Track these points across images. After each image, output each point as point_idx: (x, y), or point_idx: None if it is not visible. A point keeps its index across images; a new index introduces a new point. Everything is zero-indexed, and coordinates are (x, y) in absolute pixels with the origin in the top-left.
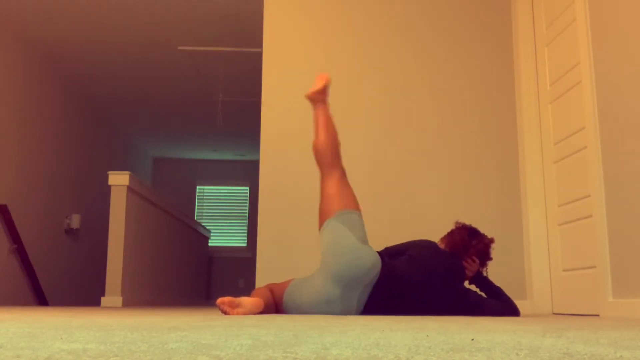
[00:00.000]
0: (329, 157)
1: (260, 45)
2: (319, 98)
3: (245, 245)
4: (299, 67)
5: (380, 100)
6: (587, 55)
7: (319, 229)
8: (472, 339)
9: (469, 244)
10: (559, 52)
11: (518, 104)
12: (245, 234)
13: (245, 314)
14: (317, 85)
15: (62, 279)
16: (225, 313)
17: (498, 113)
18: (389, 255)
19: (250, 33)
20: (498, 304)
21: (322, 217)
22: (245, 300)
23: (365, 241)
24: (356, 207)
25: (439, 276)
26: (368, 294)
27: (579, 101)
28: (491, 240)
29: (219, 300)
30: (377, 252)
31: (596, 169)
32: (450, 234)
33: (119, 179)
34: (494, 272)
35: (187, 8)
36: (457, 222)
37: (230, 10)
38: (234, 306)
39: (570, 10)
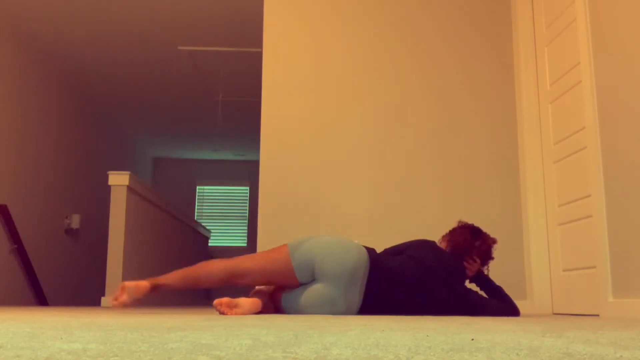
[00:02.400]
0: (227, 273)
1: (260, 45)
2: (153, 289)
3: (245, 245)
4: (299, 67)
5: (380, 100)
6: (587, 55)
7: (297, 282)
8: (472, 339)
9: (472, 245)
10: (559, 52)
11: (518, 104)
12: (245, 234)
13: (243, 314)
14: (136, 290)
15: (62, 279)
16: (223, 314)
17: (498, 113)
18: (389, 255)
19: (250, 33)
20: (498, 304)
21: (283, 280)
22: (243, 301)
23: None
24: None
25: (438, 276)
26: (364, 290)
27: (579, 101)
28: (494, 241)
29: (216, 301)
30: (378, 253)
31: (596, 169)
32: (453, 233)
33: (119, 179)
34: (494, 272)
35: (187, 8)
36: (459, 221)
37: (230, 10)
38: (231, 306)
39: (570, 10)
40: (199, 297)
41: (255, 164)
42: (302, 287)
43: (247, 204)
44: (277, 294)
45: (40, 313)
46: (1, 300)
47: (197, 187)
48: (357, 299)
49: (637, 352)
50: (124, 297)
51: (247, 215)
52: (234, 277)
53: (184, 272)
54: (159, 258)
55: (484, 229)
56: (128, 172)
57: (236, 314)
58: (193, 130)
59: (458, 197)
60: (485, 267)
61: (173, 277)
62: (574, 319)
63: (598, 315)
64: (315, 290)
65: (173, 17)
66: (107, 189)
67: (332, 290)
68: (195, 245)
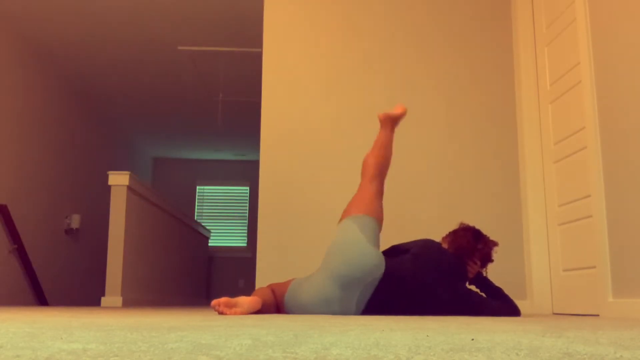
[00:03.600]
0: (373, 172)
1: (260, 45)
2: (389, 122)
3: (245, 245)
4: (299, 67)
5: (380, 100)
6: (587, 55)
7: (338, 224)
8: (472, 339)
9: (475, 248)
10: (559, 52)
11: (518, 104)
12: (245, 234)
13: (243, 313)
14: (395, 111)
15: (62, 279)
16: (222, 314)
17: (498, 113)
18: (392, 254)
19: (250, 33)
20: (498, 304)
21: (344, 214)
22: (242, 300)
23: (375, 245)
24: (378, 217)
25: (441, 276)
26: (369, 295)
27: (579, 101)
28: (495, 244)
29: (214, 302)
30: (381, 252)
31: (596, 169)
32: (455, 235)
33: (119, 179)
34: (494, 272)
35: (187, 8)
36: (461, 223)
37: (230, 10)
38: (230, 306)
39: (570, 10)
40: (199, 297)
41: (255, 164)
42: (306, 279)
43: (247, 204)
44: (282, 288)
45: (40, 313)
46: (1, 300)
47: (197, 187)
48: (354, 304)
49: (637, 352)
50: (238, 309)
51: (247, 215)
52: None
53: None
54: (159, 258)
55: (484, 229)
56: (128, 172)
57: (235, 313)
58: (193, 130)
59: (458, 196)
60: (484, 269)
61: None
62: (574, 319)
63: (598, 315)
64: (315, 282)
65: (173, 17)
66: (107, 189)
67: (328, 287)
68: (195, 245)
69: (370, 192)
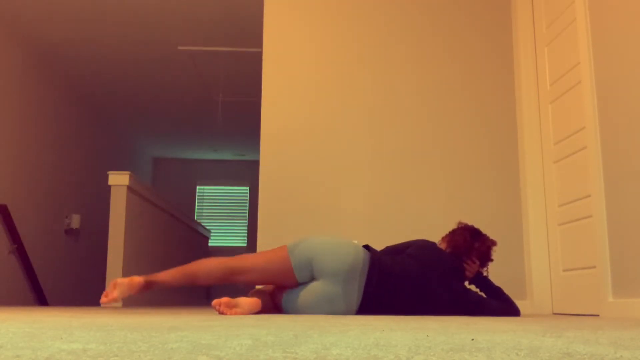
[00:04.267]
0: (227, 270)
1: (260, 45)
2: (147, 285)
3: (245, 245)
4: (299, 67)
5: (379, 99)
6: (587, 55)
7: (296, 281)
8: (472, 339)
9: (472, 246)
10: (559, 52)
11: (518, 104)
12: (245, 234)
13: (243, 314)
14: (129, 287)
15: (62, 279)
16: (222, 314)
17: (498, 113)
18: (389, 253)
19: (250, 33)
20: (498, 304)
21: (282, 279)
22: (242, 301)
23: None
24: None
25: (437, 275)
26: (362, 290)
27: (579, 101)
28: (493, 243)
29: (215, 301)
30: (379, 250)
31: (596, 169)
32: (452, 234)
33: (119, 179)
34: (494, 272)
35: (187, 8)
36: (459, 222)
37: (230, 10)
38: (231, 306)
39: (570, 10)
40: (199, 297)
41: (255, 164)
42: (301, 286)
43: (247, 204)
44: (278, 293)
45: (40, 313)
46: (1, 300)
47: (197, 187)
48: (355, 298)
49: (637, 352)
50: (115, 294)
51: (247, 215)
52: (232, 274)
53: (181, 269)
54: (159, 258)
55: (484, 229)
56: (128, 172)
57: (235, 313)
58: (193, 130)
59: (458, 197)
60: (485, 268)
61: (169, 274)
62: (574, 319)
63: (598, 315)
64: (313, 289)
65: (173, 17)
66: (107, 189)
67: (330, 288)
68: (195, 245)
69: (250, 257)
